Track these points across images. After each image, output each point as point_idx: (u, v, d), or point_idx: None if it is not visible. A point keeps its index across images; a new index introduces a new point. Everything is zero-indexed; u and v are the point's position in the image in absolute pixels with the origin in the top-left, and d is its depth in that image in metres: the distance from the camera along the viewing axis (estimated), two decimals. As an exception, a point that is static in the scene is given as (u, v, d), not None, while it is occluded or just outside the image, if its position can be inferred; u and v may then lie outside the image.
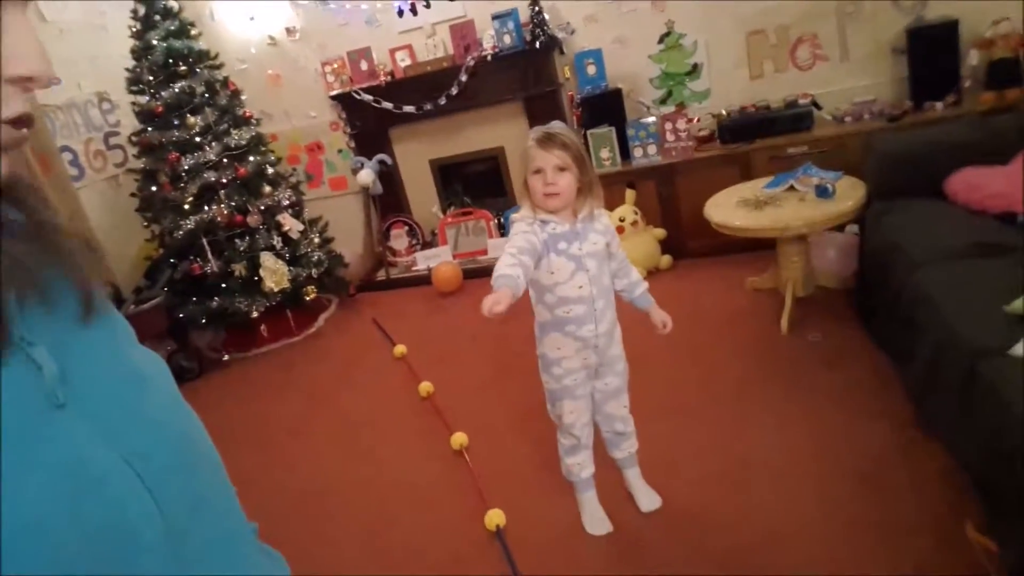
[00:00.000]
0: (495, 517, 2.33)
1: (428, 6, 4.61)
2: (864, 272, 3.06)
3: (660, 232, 4.15)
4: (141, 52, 4.08)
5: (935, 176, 2.84)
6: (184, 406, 0.68)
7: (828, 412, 2.52)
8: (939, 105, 3.63)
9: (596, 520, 2.24)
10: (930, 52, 3.66)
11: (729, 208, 3.25)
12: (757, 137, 3.92)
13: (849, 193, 3.04)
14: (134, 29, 4.10)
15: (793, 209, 3.05)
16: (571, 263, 1.90)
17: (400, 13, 4.68)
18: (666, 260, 4.15)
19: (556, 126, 1.89)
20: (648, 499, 2.28)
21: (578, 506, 2.30)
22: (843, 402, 2.55)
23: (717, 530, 2.12)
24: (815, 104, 3.95)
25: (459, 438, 2.84)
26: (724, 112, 4.12)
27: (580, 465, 2.21)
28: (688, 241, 4.15)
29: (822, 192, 3.04)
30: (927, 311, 2.22)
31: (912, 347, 2.33)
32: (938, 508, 1.98)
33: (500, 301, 1.55)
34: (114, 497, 0.53)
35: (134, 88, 4.14)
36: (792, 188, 3.22)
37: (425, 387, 3.33)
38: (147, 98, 4.09)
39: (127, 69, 4.15)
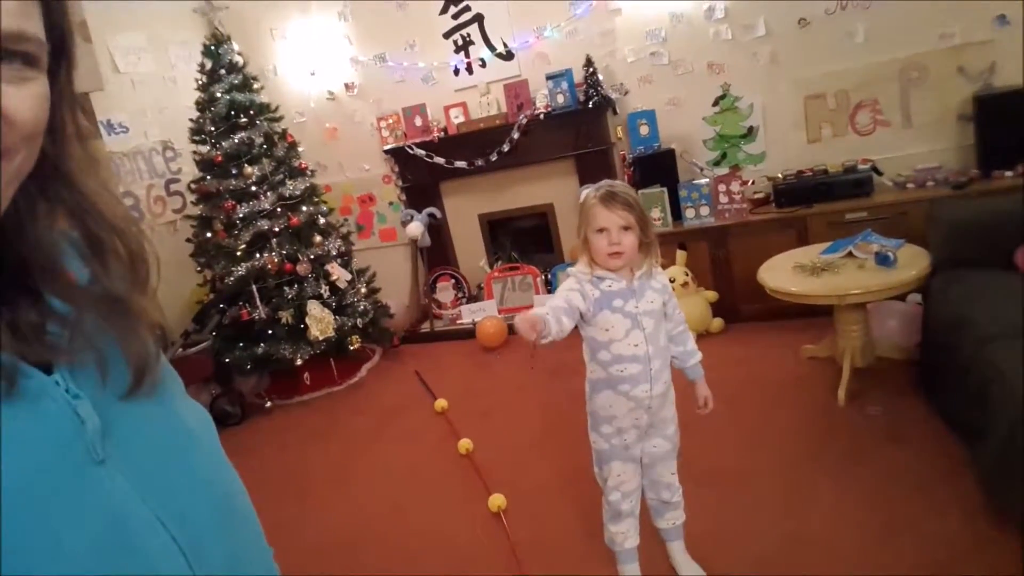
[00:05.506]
0: (531, 587, 2.22)
1: (484, 65, 4.70)
2: (928, 344, 2.91)
3: (711, 294, 4.06)
4: (205, 104, 4.23)
5: (1004, 247, 2.72)
6: (226, 464, 0.66)
7: (890, 491, 2.36)
8: (1008, 174, 3.51)
9: (638, 596, 2.12)
10: (999, 120, 3.55)
11: (785, 273, 3.15)
12: (814, 201, 3.84)
13: (912, 262, 2.93)
14: (200, 82, 4.25)
15: (852, 276, 2.94)
16: (627, 320, 1.85)
17: (456, 72, 4.79)
18: (717, 323, 4.05)
19: (616, 184, 1.85)
20: (692, 575, 2.15)
21: (619, 579, 2.18)
22: (907, 481, 2.39)
23: (769, 615, 1.98)
24: (875, 169, 3.85)
25: (497, 500, 2.74)
26: (780, 175, 4.05)
27: (624, 534, 2.10)
28: (741, 305, 4.04)
29: (883, 260, 2.92)
30: (1000, 389, 2.09)
31: (983, 426, 2.18)
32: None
33: (535, 328, 1.61)
34: (148, 556, 0.52)
35: (196, 138, 4.27)
36: (851, 255, 3.11)
37: (464, 444, 3.26)
38: (208, 147, 4.21)
39: (191, 120, 4.29)
